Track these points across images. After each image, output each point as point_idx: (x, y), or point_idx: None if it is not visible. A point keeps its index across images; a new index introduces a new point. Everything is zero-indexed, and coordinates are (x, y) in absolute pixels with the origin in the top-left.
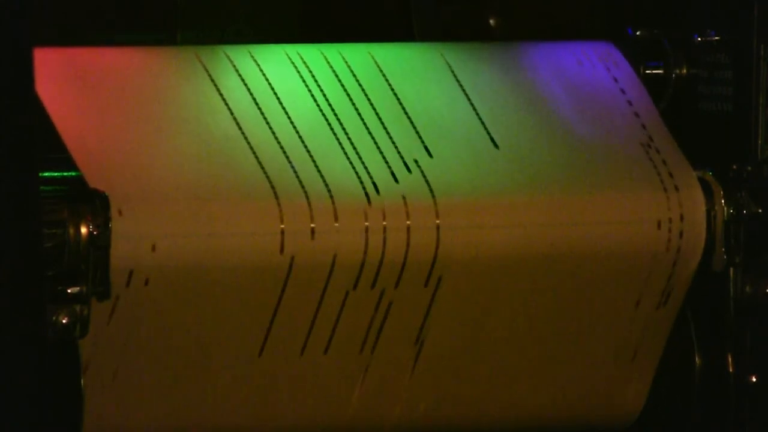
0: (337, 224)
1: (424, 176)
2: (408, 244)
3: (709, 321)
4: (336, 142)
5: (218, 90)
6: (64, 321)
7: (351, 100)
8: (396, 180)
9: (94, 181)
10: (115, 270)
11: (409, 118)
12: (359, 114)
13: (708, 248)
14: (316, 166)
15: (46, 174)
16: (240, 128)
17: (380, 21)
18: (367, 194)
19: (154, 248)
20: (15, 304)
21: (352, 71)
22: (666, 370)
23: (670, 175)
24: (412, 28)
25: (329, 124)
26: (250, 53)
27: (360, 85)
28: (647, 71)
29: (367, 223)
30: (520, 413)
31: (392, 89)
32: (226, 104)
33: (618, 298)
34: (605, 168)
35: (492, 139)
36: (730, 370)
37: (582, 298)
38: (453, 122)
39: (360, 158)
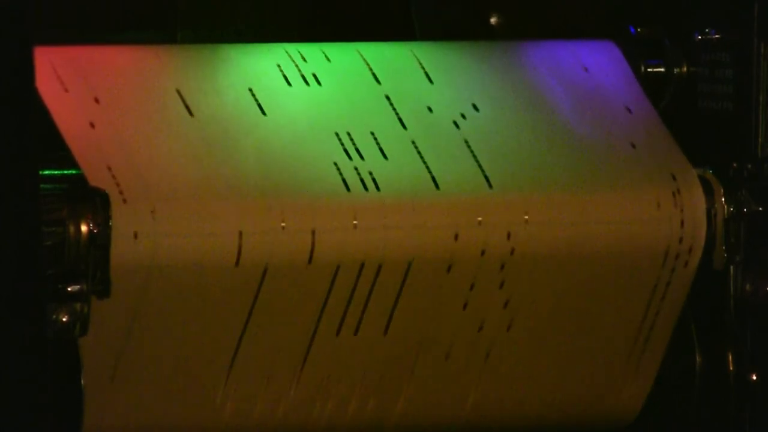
0: (338, 224)
1: (424, 176)
2: (407, 245)
3: (709, 320)
4: (335, 141)
5: (218, 89)
6: (64, 319)
7: (350, 99)
8: (396, 179)
9: (94, 179)
10: (115, 268)
11: (408, 118)
12: (358, 113)
13: (708, 247)
14: (316, 166)
15: (46, 172)
16: (239, 127)
17: (380, 21)
18: (367, 194)
19: (154, 247)
20: (15, 303)
21: (351, 71)
22: (666, 370)
23: (671, 173)
24: (412, 28)
25: (329, 124)
26: (249, 53)
27: (359, 84)
28: (648, 69)
29: (368, 223)
30: (520, 412)
31: (391, 89)
32: (226, 103)
33: (618, 297)
34: (605, 167)
35: (492, 140)
36: (730, 369)
37: (582, 297)
38: (452, 122)
39: (361, 157)
